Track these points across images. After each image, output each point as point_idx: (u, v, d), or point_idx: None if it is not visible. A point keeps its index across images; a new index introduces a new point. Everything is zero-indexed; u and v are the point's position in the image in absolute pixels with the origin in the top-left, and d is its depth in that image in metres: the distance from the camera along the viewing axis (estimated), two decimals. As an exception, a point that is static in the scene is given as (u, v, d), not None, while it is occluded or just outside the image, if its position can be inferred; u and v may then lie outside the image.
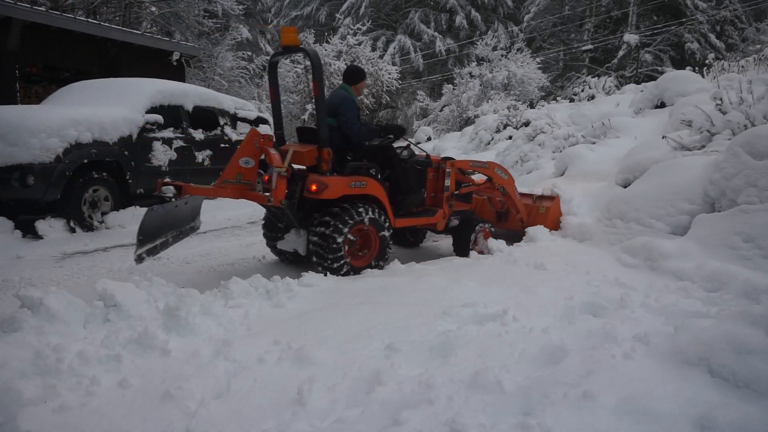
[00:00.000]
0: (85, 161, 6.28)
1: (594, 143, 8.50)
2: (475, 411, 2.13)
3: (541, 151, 8.93)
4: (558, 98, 19.01)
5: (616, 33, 25.41)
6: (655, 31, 24.78)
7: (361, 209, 4.48)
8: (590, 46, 25.06)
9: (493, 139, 12.24)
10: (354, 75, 5.04)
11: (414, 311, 3.27)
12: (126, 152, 6.79)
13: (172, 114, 7.60)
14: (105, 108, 6.78)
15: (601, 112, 9.94)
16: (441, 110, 19.95)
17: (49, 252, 5.42)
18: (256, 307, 3.42)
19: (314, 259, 4.46)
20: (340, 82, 5.25)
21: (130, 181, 6.88)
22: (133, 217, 6.74)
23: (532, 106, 16.42)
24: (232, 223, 7.28)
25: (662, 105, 9.44)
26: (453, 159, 5.40)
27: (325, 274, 4.25)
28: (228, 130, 8.67)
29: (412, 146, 5.37)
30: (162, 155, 7.30)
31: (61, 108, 6.67)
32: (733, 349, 2.30)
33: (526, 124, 10.88)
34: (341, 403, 2.29)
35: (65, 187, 6.09)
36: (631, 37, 21.12)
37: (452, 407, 2.15)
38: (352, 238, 4.48)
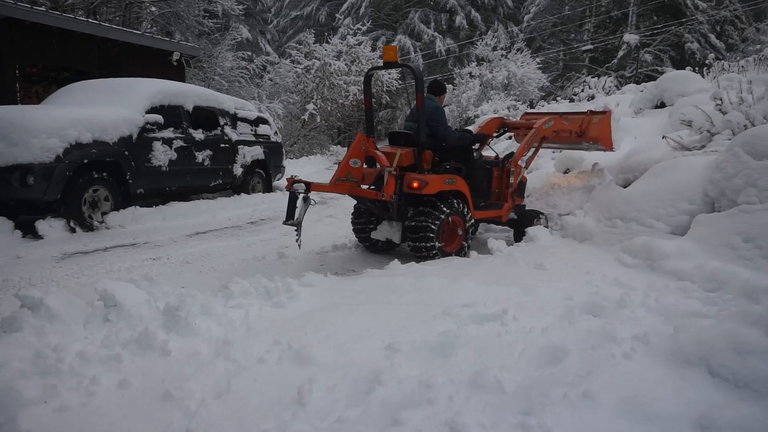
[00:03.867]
0: (85, 161, 6.28)
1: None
2: (475, 411, 2.13)
3: (541, 151, 8.91)
4: (558, 98, 19.02)
5: (616, 33, 25.40)
6: (655, 31, 24.77)
7: (452, 203, 5.13)
8: (590, 46, 25.05)
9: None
10: (439, 87, 5.79)
11: (414, 311, 3.27)
12: (126, 152, 6.79)
13: (172, 114, 7.60)
14: (105, 108, 6.78)
15: (601, 112, 9.92)
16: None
17: (49, 252, 5.42)
18: (257, 307, 3.42)
19: (410, 245, 5.14)
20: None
21: (130, 181, 6.88)
22: (133, 217, 6.74)
23: (532, 106, 16.43)
24: (232, 223, 7.28)
25: (662, 105, 9.45)
26: (514, 158, 5.89)
27: (417, 261, 4.83)
28: (228, 130, 8.67)
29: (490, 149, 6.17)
30: (162, 155, 7.30)
31: (61, 108, 6.67)
32: (733, 349, 2.30)
33: (526, 124, 10.82)
34: (341, 403, 2.29)
35: (65, 187, 6.09)
36: (631, 37, 21.10)
37: (452, 407, 2.15)
38: (444, 228, 5.13)
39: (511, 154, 6.02)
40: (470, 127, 7.84)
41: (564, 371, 2.34)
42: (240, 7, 20.22)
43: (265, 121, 9.77)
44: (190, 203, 7.69)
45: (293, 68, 18.90)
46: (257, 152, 9.24)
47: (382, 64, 5.23)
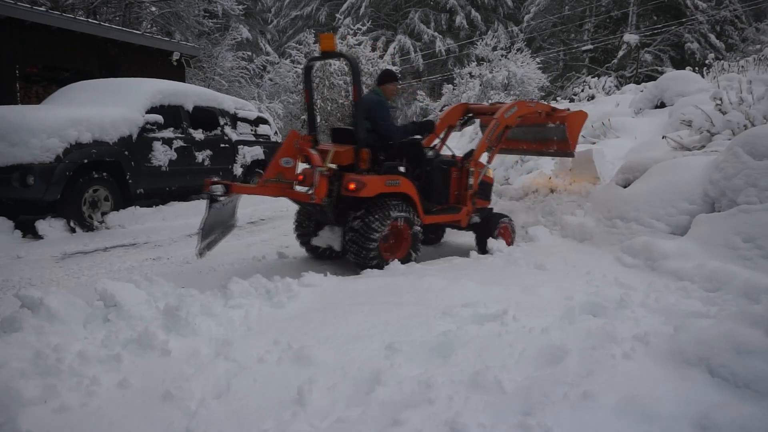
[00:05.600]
0: (85, 161, 6.28)
1: (594, 143, 8.50)
2: (475, 411, 2.13)
3: (541, 151, 8.91)
4: (558, 98, 19.01)
5: (616, 33, 25.40)
6: (655, 31, 24.78)
7: (395, 206, 4.69)
8: (590, 46, 25.06)
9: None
10: (382, 77, 5.30)
11: (414, 311, 3.27)
12: (126, 152, 6.79)
13: (172, 114, 7.60)
14: (105, 108, 6.78)
15: (601, 112, 9.94)
16: (441, 110, 19.94)
17: (49, 252, 5.42)
18: (256, 307, 3.41)
19: (349, 253, 4.68)
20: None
21: (130, 181, 6.88)
22: (133, 217, 6.74)
23: (532, 106, 16.36)
24: (232, 223, 7.27)
25: (662, 105, 9.44)
26: (473, 157, 5.46)
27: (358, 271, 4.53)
28: (228, 130, 8.67)
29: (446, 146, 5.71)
30: (162, 155, 7.30)
31: (61, 108, 6.67)
32: (733, 349, 2.30)
33: (526, 124, 10.83)
34: (341, 403, 2.29)
35: (65, 187, 6.09)
36: (631, 37, 21.10)
37: (452, 407, 2.15)
38: (386, 234, 4.68)
39: (471, 152, 5.56)
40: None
41: (564, 371, 2.34)
42: (240, 7, 20.23)
43: (265, 121, 9.77)
44: (190, 203, 7.69)
45: (293, 68, 18.91)
46: (257, 152, 9.24)
47: (324, 55, 4.81)
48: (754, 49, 16.20)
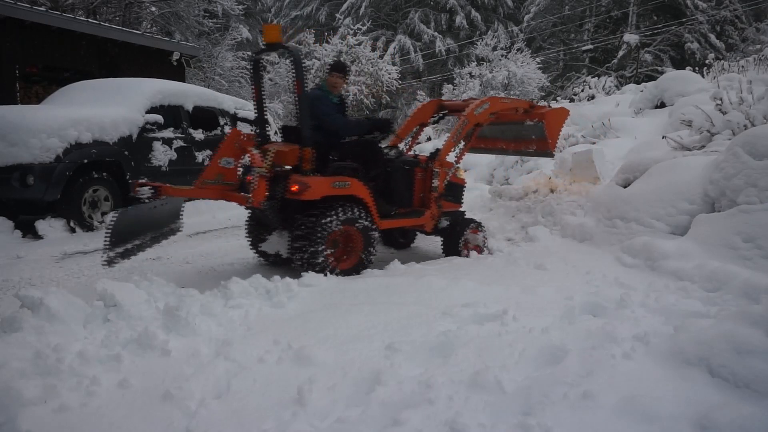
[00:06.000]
0: (85, 161, 6.29)
1: (594, 143, 8.50)
2: (475, 411, 2.13)
3: (541, 151, 8.91)
4: (558, 98, 19.01)
5: (616, 33, 25.40)
6: (655, 31, 24.77)
7: (344, 210, 4.39)
8: (590, 46, 25.06)
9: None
10: (334, 67, 4.94)
11: (414, 311, 3.27)
12: (126, 152, 6.79)
13: (172, 114, 7.60)
14: (105, 108, 6.78)
15: (601, 112, 9.95)
16: (441, 110, 19.89)
17: (49, 252, 5.42)
18: (256, 307, 3.42)
19: (294, 260, 4.38)
20: None
21: (130, 181, 6.87)
22: (133, 217, 6.74)
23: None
24: (232, 223, 7.28)
25: (662, 105, 9.45)
26: (440, 156, 5.13)
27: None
28: (228, 130, 8.66)
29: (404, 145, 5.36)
30: (162, 155, 7.30)
31: (61, 108, 6.67)
32: (733, 349, 2.30)
33: (526, 124, 10.85)
34: (341, 403, 2.29)
35: (65, 187, 6.09)
36: (631, 37, 21.10)
37: (452, 407, 2.15)
38: (334, 240, 4.39)
39: (437, 151, 5.23)
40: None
41: (564, 371, 2.34)
42: (240, 7, 20.23)
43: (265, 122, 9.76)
44: (190, 203, 7.68)
45: (293, 68, 18.90)
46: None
47: (278, 49, 4.64)
48: (754, 49, 16.20)
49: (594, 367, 2.37)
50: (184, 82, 12.29)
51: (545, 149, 5.71)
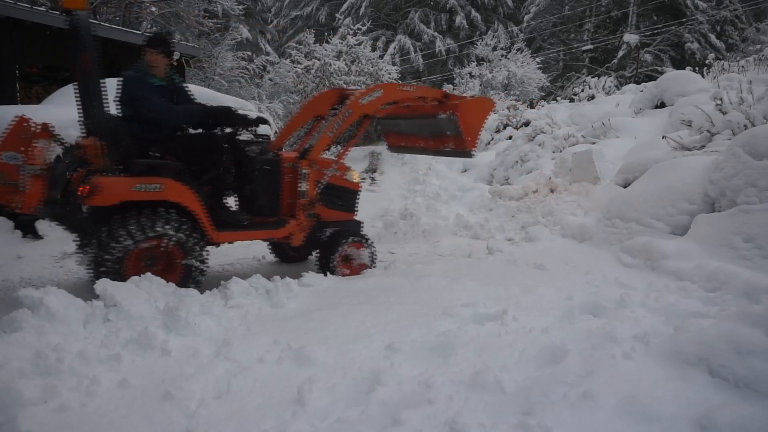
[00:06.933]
0: (85, 161, 6.27)
1: (594, 143, 8.51)
2: (475, 411, 2.13)
3: (541, 151, 8.93)
4: (558, 98, 19.00)
5: (616, 33, 25.40)
6: (655, 31, 24.78)
7: (157, 219, 3.62)
8: (590, 46, 25.07)
9: (493, 139, 12.24)
10: (153, 42, 4.05)
11: (414, 311, 3.27)
12: (126, 152, 6.77)
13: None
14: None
15: (601, 112, 9.96)
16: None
17: (49, 252, 5.42)
18: (256, 307, 3.42)
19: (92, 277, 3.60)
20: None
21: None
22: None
23: (532, 106, 16.43)
24: (232, 223, 7.27)
25: (662, 105, 9.45)
26: (310, 155, 4.34)
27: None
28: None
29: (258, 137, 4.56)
30: (162, 155, 7.29)
31: (61, 108, 6.66)
32: (733, 349, 2.30)
33: (526, 124, 10.89)
34: (341, 403, 2.29)
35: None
36: (631, 37, 21.11)
37: (452, 407, 2.15)
38: (141, 254, 3.64)
39: (309, 148, 4.41)
40: None
41: (564, 371, 2.34)
42: (240, 7, 20.22)
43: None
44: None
45: (293, 68, 18.90)
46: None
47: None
48: (754, 49, 16.20)
49: (594, 367, 2.37)
50: (184, 82, 12.28)
51: (462, 147, 4.70)
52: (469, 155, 4.84)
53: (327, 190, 4.44)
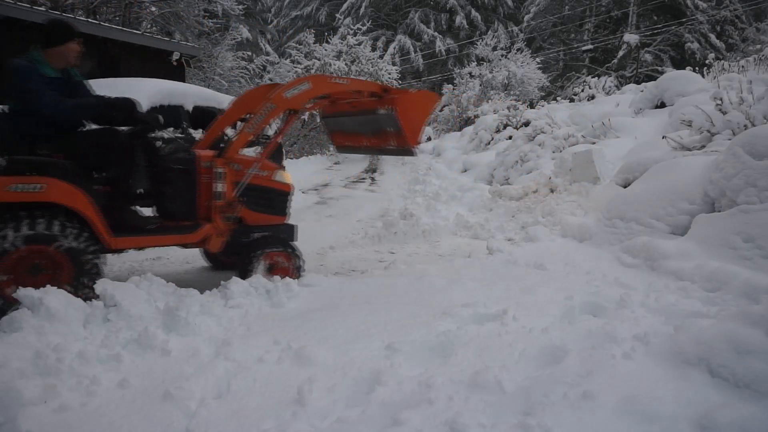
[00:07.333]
0: (85, 161, 6.26)
1: (594, 143, 8.51)
2: (475, 411, 2.13)
3: (541, 151, 8.93)
4: (558, 98, 19.02)
5: (616, 33, 25.42)
6: (655, 31, 24.79)
7: (36, 224, 3.26)
8: (590, 46, 25.09)
9: (493, 139, 12.24)
10: (49, 35, 3.70)
11: (414, 311, 3.27)
12: (126, 152, 6.77)
13: (171, 114, 7.60)
14: (105, 108, 6.78)
15: (601, 112, 9.96)
16: (441, 110, 19.95)
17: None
18: (256, 307, 3.42)
19: None
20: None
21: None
22: (133, 217, 6.74)
23: (532, 106, 16.44)
24: (232, 223, 7.28)
25: (662, 105, 9.45)
26: (227, 152, 3.97)
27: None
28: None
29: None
30: (162, 155, 7.30)
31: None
32: (733, 349, 2.30)
33: (526, 124, 10.90)
34: (341, 403, 2.29)
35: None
36: (631, 37, 21.13)
37: (452, 407, 2.15)
38: (20, 262, 3.28)
39: (227, 145, 4.07)
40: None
41: (564, 371, 2.34)
42: (240, 7, 20.24)
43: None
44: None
45: (293, 68, 18.91)
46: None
47: None
48: (754, 49, 16.21)
49: (594, 367, 2.37)
50: (184, 82, 12.29)
51: (403, 145, 4.39)
52: (410, 153, 4.50)
53: (251, 192, 4.09)
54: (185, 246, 4.10)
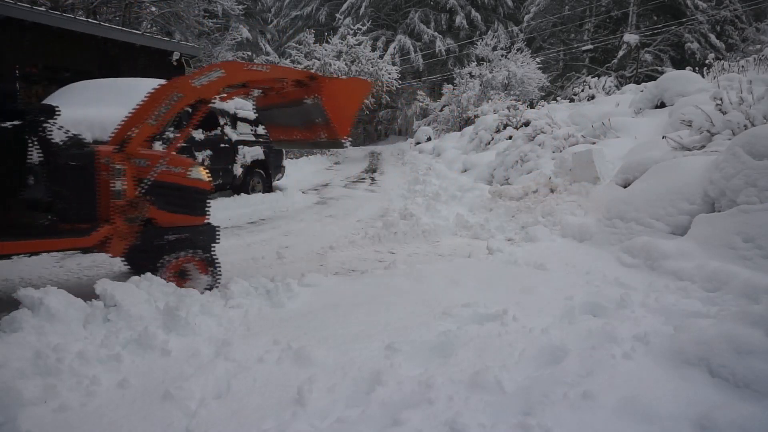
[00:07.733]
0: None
1: (594, 143, 8.51)
2: (475, 411, 2.13)
3: (541, 151, 8.94)
4: (558, 98, 19.02)
5: (616, 33, 25.42)
6: (655, 31, 24.79)
7: None
8: (590, 46, 25.09)
9: (493, 139, 12.26)
10: None
11: (414, 311, 3.27)
12: (126, 152, 6.78)
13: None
14: (105, 108, 6.78)
15: (601, 112, 9.96)
16: (441, 110, 19.97)
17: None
18: (256, 307, 3.42)
19: None
20: None
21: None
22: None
23: (532, 106, 16.45)
24: (232, 223, 7.28)
25: (662, 105, 9.45)
26: (128, 147, 3.62)
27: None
28: (228, 130, 8.67)
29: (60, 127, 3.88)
30: (162, 155, 7.30)
31: (62, 108, 6.66)
32: (733, 349, 2.30)
33: (526, 124, 10.91)
34: (341, 403, 2.29)
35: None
36: (631, 37, 21.14)
37: (452, 407, 2.15)
38: None
39: (128, 139, 3.69)
40: None
41: (564, 371, 2.34)
42: (240, 7, 20.24)
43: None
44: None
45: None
46: (257, 152, 9.24)
47: None
48: (754, 49, 16.21)
49: (594, 367, 2.37)
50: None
51: (333, 137, 4.16)
52: (340, 145, 4.22)
53: (161, 190, 3.73)
54: (84, 251, 3.70)
